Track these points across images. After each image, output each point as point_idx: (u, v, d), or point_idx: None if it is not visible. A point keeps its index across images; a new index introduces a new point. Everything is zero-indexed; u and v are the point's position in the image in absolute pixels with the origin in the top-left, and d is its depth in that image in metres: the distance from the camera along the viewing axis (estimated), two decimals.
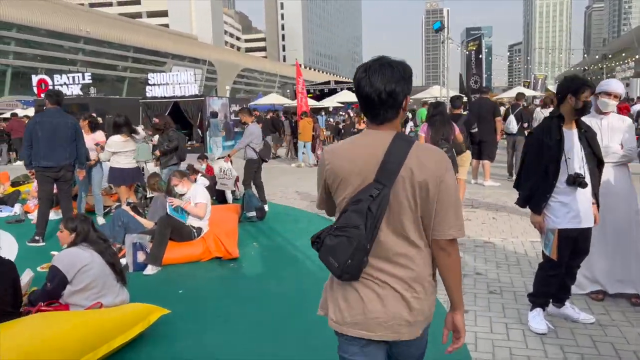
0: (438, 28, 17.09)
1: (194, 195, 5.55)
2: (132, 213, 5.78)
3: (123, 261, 4.87)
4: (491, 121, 9.75)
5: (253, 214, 7.26)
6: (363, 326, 1.74)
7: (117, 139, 7.32)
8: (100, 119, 17.43)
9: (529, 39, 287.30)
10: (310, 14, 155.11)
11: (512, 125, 10.26)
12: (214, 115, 20.30)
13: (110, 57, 72.25)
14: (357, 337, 1.75)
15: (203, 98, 21.64)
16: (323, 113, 23.48)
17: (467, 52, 17.51)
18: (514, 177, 11.11)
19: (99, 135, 7.82)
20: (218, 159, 10.56)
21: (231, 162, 8.64)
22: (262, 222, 7.37)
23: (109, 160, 7.36)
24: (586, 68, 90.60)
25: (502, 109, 12.68)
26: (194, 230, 5.35)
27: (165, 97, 21.62)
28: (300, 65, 18.07)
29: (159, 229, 5.03)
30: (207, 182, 8.33)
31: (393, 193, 1.67)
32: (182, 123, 21.92)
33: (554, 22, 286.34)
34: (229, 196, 8.69)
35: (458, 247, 1.75)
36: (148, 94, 22.14)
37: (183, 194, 5.54)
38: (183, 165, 8.15)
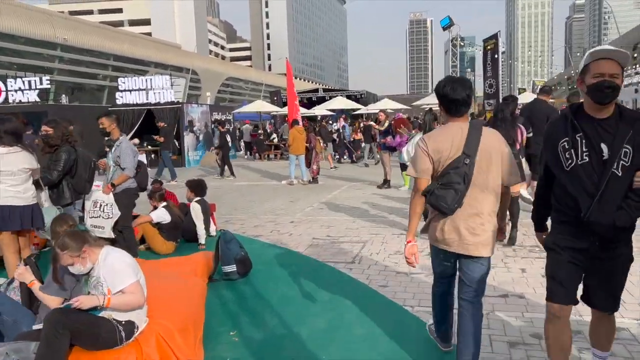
0: (446, 25, 15.04)
1: (111, 272, 2.92)
2: (17, 296, 3.33)
3: None
4: (542, 130, 7.57)
5: (232, 268, 4.92)
6: (444, 242, 2.85)
7: None
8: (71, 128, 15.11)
9: (511, 49, 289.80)
10: (295, 23, 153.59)
11: None
12: (222, 124, 18.80)
13: (89, 65, 70.02)
14: (441, 247, 2.90)
15: (180, 105, 19.23)
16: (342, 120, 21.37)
17: (482, 53, 15.51)
18: None
19: None
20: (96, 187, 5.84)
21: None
22: (246, 280, 5.03)
23: None
24: (571, 75, 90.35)
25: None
26: (120, 329, 2.85)
27: (137, 105, 19.21)
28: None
29: (45, 338, 2.65)
30: (166, 218, 5.97)
31: (476, 161, 2.74)
32: (156, 133, 19.53)
33: (535, 33, 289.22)
34: (202, 234, 6.33)
35: (510, 191, 2.97)
36: (118, 101, 19.72)
37: (88, 274, 2.99)
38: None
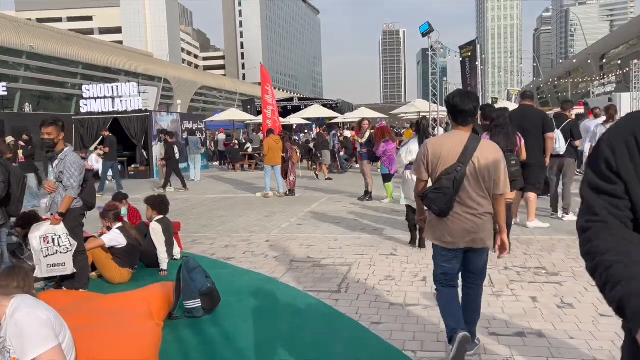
0: (426, 31, 14.57)
1: (18, 336, 2.18)
2: None
3: None
4: (539, 137, 7.04)
5: (196, 303, 4.12)
6: (451, 241, 3.09)
7: None
8: (11, 140, 13.94)
9: (482, 60, 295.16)
10: (270, 32, 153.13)
11: (560, 143, 7.58)
12: (192, 133, 18.31)
13: (57, 73, 68.03)
14: (446, 247, 3.13)
15: (148, 113, 18.26)
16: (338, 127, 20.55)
17: (460, 60, 15.07)
18: (560, 213, 7.62)
19: None
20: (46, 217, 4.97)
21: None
22: (213, 317, 4.24)
23: None
24: (540, 85, 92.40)
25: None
26: None
27: (103, 113, 18.16)
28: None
29: None
30: (121, 241, 5.14)
31: (468, 169, 3.00)
32: (124, 143, 18.50)
33: (505, 44, 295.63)
34: (163, 258, 5.51)
35: (503, 199, 3.14)
36: (83, 109, 18.63)
37: None
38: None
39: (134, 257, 5.34)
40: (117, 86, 18.58)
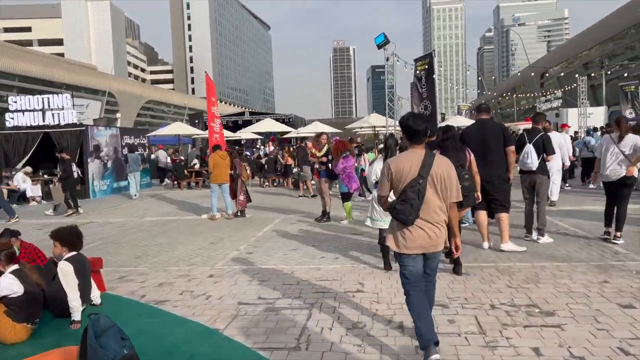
0: (381, 42, 13.96)
1: None
2: None
3: None
4: (500, 152, 6.42)
5: None
6: (415, 247, 3.42)
7: None
8: None
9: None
10: (220, 46, 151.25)
11: (532, 159, 6.98)
12: (132, 149, 17.31)
13: None
14: (411, 253, 3.45)
15: (83, 128, 16.71)
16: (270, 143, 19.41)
17: (418, 73, 14.56)
18: (535, 235, 7.13)
19: None
20: None
21: None
22: None
23: None
24: (484, 102, 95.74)
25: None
26: None
27: (32, 127, 16.47)
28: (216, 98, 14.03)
29: None
30: (15, 290, 4.01)
31: (428, 181, 3.33)
32: (55, 160, 16.83)
33: (451, 61, 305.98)
34: (76, 306, 4.37)
35: (456, 207, 3.51)
36: (9, 124, 16.83)
37: None
38: None
39: (34, 308, 4.17)
40: (48, 98, 16.94)
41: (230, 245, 7.67)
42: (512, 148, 6.51)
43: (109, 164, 17.55)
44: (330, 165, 9.43)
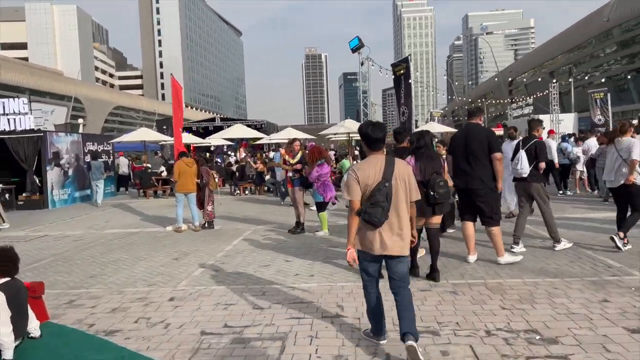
0: (355, 46, 13.58)
1: None
2: None
3: None
4: (486, 160, 6.00)
5: None
6: (379, 248, 3.54)
7: None
8: None
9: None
10: (190, 52, 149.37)
11: (521, 164, 6.62)
12: (95, 156, 16.07)
13: None
14: (373, 253, 3.59)
15: (42, 134, 15.75)
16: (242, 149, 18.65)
17: (394, 77, 14.19)
18: (518, 246, 6.75)
19: None
20: None
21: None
22: None
23: None
24: (455, 108, 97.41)
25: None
26: None
27: None
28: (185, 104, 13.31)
29: None
30: None
31: (393, 184, 3.51)
32: (11, 168, 15.82)
33: (421, 69, 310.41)
34: (7, 342, 3.69)
35: (415, 205, 3.73)
36: None
37: None
38: None
39: None
40: (2, 102, 15.94)
41: (196, 261, 7.04)
42: (498, 155, 6.07)
43: (70, 172, 16.61)
44: (303, 172, 8.89)
